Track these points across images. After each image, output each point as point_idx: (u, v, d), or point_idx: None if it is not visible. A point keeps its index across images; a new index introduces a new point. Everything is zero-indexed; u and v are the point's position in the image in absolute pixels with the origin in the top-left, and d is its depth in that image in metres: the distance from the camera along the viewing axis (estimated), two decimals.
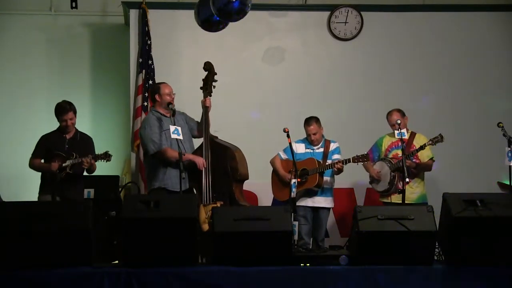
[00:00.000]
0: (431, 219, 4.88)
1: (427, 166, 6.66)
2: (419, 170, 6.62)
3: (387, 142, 6.78)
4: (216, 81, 6.35)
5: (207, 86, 6.36)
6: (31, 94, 8.42)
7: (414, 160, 6.56)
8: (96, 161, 6.39)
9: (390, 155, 6.66)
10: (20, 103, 8.40)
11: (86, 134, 6.65)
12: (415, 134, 6.74)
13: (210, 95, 6.35)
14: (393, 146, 6.72)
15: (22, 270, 4.59)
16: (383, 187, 6.60)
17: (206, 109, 6.30)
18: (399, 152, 6.50)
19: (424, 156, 6.59)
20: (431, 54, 8.30)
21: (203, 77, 6.39)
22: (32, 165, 6.44)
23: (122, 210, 4.80)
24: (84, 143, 6.55)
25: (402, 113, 6.75)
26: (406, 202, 6.29)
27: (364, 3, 8.34)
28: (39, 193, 6.40)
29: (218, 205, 5.96)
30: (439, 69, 8.31)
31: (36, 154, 6.43)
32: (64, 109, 6.43)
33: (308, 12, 8.35)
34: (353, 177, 7.35)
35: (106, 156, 6.41)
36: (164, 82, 6.43)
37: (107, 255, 5.19)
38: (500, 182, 6.72)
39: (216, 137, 6.35)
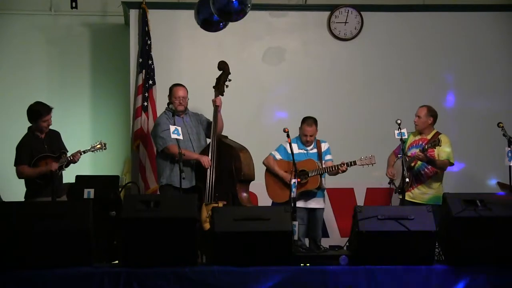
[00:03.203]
0: (431, 219, 4.88)
1: (442, 164, 6.51)
2: (433, 166, 6.51)
3: (410, 140, 6.70)
4: (230, 80, 6.36)
5: (219, 85, 6.39)
6: (31, 94, 8.38)
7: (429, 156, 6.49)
8: (94, 152, 6.53)
9: (409, 154, 6.60)
10: (20, 103, 8.37)
11: (53, 130, 6.60)
12: (438, 134, 6.60)
13: (222, 95, 6.39)
14: (414, 145, 6.64)
15: (22, 270, 4.60)
16: (396, 185, 6.57)
17: (216, 108, 6.32)
18: (417, 151, 6.48)
19: (440, 156, 6.50)
20: (431, 54, 8.30)
21: (217, 76, 6.43)
22: (23, 173, 6.31)
23: (122, 210, 4.80)
24: (56, 138, 6.56)
25: (430, 111, 6.66)
26: (418, 202, 6.38)
27: (364, 3, 8.33)
28: (32, 197, 6.32)
29: (221, 204, 5.97)
30: (438, 69, 8.31)
31: (22, 162, 6.32)
32: (47, 110, 6.38)
33: (308, 12, 8.35)
34: (353, 177, 7.34)
35: (102, 145, 6.52)
36: (179, 85, 6.54)
37: (107, 255, 5.18)
38: (500, 182, 6.71)
39: (226, 137, 6.38)
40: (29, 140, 6.42)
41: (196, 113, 6.66)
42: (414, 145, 6.64)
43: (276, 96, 8.25)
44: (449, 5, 8.43)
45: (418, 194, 6.53)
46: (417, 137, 6.68)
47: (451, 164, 6.58)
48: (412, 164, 6.45)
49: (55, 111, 6.56)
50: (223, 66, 6.40)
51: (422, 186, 6.55)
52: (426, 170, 6.55)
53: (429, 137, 6.63)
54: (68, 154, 6.46)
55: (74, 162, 6.46)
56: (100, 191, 6.55)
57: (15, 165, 6.39)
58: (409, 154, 6.56)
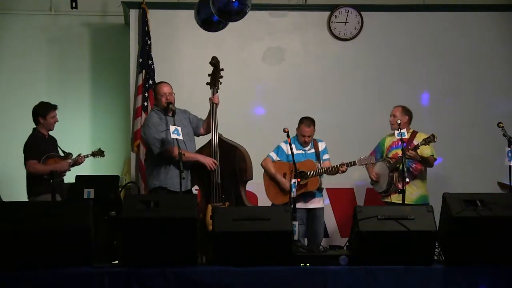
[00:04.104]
0: (431, 219, 4.88)
1: (429, 161, 6.61)
2: (423, 164, 6.58)
3: (388, 142, 6.76)
4: (222, 77, 6.30)
5: (215, 81, 6.28)
6: (31, 94, 8.39)
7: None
8: (94, 157, 6.71)
9: (390, 155, 6.65)
10: (20, 103, 8.39)
11: (51, 135, 6.69)
12: (416, 133, 6.69)
13: (217, 91, 6.29)
14: (393, 146, 6.69)
15: (22, 270, 4.59)
16: (382, 188, 6.59)
17: (215, 106, 6.23)
18: (399, 152, 6.49)
19: (424, 154, 6.56)
20: (431, 54, 8.30)
21: (210, 73, 6.30)
22: (36, 168, 6.33)
23: (122, 210, 4.80)
24: (55, 142, 6.67)
25: (404, 111, 6.70)
26: (406, 202, 6.23)
27: (364, 3, 8.34)
28: (35, 194, 6.35)
29: (227, 205, 5.95)
30: (438, 69, 8.31)
31: (34, 157, 6.35)
32: (53, 107, 6.50)
33: (308, 12, 8.35)
34: (353, 177, 7.35)
35: (101, 153, 6.72)
36: (163, 82, 6.36)
37: (107, 255, 5.18)
38: (500, 182, 6.71)
39: (221, 135, 6.30)
40: (37, 138, 6.48)
41: (181, 109, 6.40)
42: (394, 146, 6.66)
43: (276, 96, 8.24)
44: (449, 5, 8.43)
45: (406, 194, 6.49)
46: (394, 138, 6.67)
47: (435, 160, 6.66)
48: (398, 166, 6.44)
49: None
50: (216, 62, 6.31)
51: (408, 186, 6.50)
52: (411, 169, 6.55)
53: (407, 136, 6.64)
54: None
55: (79, 163, 6.57)
56: (100, 191, 6.56)
57: (26, 160, 6.38)
58: (390, 155, 6.58)
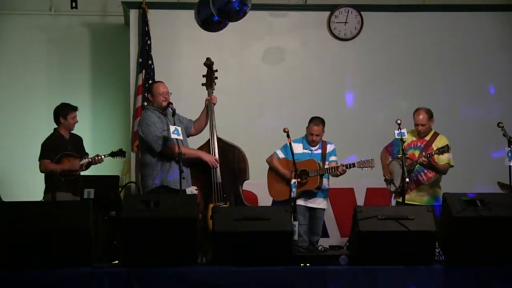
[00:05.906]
0: (431, 219, 4.88)
1: (440, 170, 6.48)
2: (435, 171, 6.48)
3: (408, 139, 6.55)
4: (216, 78, 6.31)
5: (211, 82, 6.28)
6: (31, 94, 8.43)
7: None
8: (114, 157, 6.70)
9: (407, 154, 6.55)
10: (20, 103, 8.41)
11: (77, 134, 6.72)
12: (437, 135, 6.57)
13: (213, 92, 6.28)
14: (412, 145, 6.55)
15: (22, 270, 4.59)
16: (394, 187, 6.55)
17: (212, 105, 6.23)
18: (416, 153, 6.44)
19: (440, 160, 6.43)
20: (431, 54, 8.31)
21: (205, 74, 6.30)
22: (47, 167, 6.38)
23: (122, 210, 4.80)
24: (79, 142, 6.69)
25: (429, 114, 6.55)
26: (416, 203, 6.26)
27: (364, 3, 8.34)
28: (48, 192, 6.37)
29: (228, 205, 5.95)
30: (439, 69, 8.32)
31: (47, 156, 6.40)
32: (74, 108, 6.55)
33: (308, 12, 8.36)
34: (353, 177, 7.34)
35: (122, 153, 6.70)
36: (159, 81, 6.35)
37: (107, 255, 5.19)
38: (500, 182, 6.70)
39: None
40: (55, 138, 6.52)
41: None
42: (412, 146, 6.56)
43: (276, 96, 8.25)
44: (449, 5, 8.44)
45: (416, 196, 6.44)
46: (415, 138, 6.61)
47: (452, 167, 6.52)
48: (412, 168, 6.41)
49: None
50: (210, 63, 6.31)
51: (421, 188, 6.49)
52: (426, 171, 6.49)
53: (427, 138, 6.57)
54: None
55: (96, 163, 6.57)
56: (100, 191, 6.56)
57: (39, 159, 6.42)
58: (407, 154, 6.53)
